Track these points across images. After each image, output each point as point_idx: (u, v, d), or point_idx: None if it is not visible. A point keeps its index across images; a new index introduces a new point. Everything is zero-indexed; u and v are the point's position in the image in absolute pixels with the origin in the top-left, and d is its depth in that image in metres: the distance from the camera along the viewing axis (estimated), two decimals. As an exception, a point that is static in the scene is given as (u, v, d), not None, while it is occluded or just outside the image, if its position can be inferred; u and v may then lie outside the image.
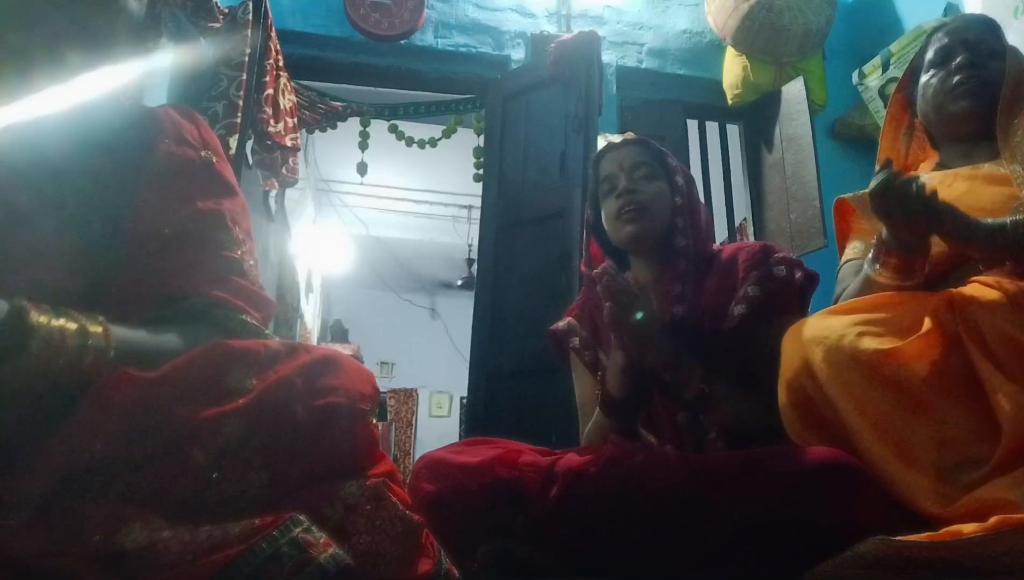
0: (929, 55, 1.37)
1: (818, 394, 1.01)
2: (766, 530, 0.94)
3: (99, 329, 0.67)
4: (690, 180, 1.45)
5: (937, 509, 0.88)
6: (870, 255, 1.19)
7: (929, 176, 1.33)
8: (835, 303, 1.26)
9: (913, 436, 0.93)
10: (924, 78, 1.37)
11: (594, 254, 1.53)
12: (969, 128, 1.30)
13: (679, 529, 1.00)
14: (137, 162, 0.87)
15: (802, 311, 1.32)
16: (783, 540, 0.92)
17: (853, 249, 1.41)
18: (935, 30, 1.39)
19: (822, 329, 1.04)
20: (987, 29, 1.35)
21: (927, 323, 1.00)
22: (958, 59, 1.30)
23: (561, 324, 1.50)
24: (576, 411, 1.48)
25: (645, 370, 1.23)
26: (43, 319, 0.63)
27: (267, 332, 0.87)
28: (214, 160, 0.94)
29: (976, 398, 0.93)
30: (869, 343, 0.99)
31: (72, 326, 0.65)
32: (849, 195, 1.41)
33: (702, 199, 1.52)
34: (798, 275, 1.29)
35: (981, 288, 1.02)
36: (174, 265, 0.83)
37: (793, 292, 1.30)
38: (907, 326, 1.01)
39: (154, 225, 0.84)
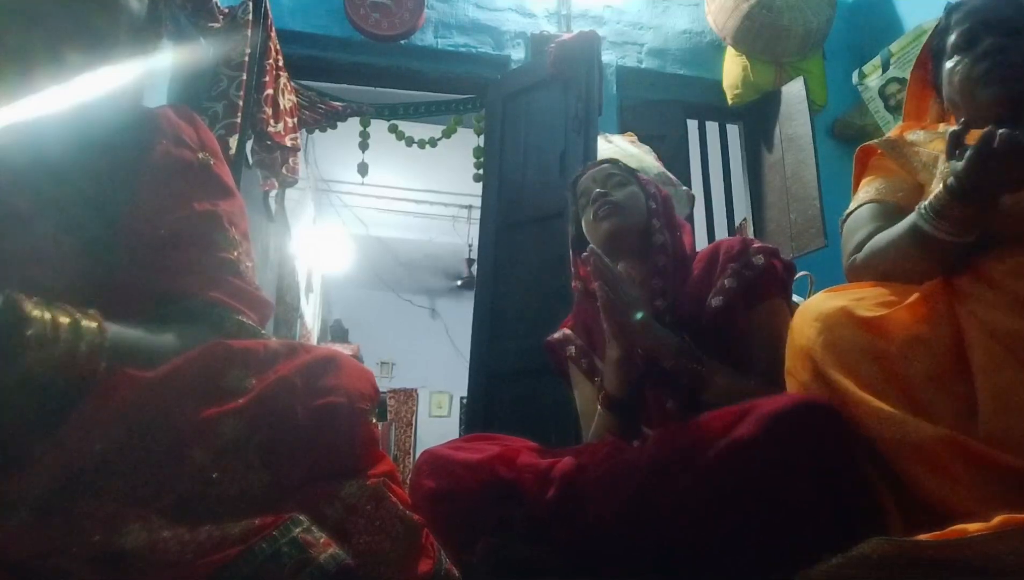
0: (952, 39, 1.29)
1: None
2: (765, 526, 0.93)
3: (94, 323, 0.67)
4: (666, 196, 1.50)
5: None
6: (926, 205, 1.10)
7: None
8: (857, 252, 1.20)
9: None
10: (949, 64, 1.29)
11: (580, 272, 1.54)
12: (1000, 113, 1.21)
13: (678, 529, 1.00)
14: (135, 163, 0.87)
15: (786, 299, 1.34)
16: (783, 537, 0.92)
17: (876, 190, 1.30)
18: (953, 9, 1.31)
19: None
20: (1008, 5, 1.27)
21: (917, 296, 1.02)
22: (983, 44, 1.23)
23: (556, 335, 1.53)
24: (576, 413, 1.49)
25: (639, 361, 1.23)
26: (36, 312, 0.63)
27: (264, 332, 0.87)
28: (211, 162, 0.94)
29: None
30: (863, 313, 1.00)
31: (65, 319, 0.65)
32: (876, 141, 1.33)
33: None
34: (777, 263, 1.31)
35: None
36: (170, 266, 0.83)
37: (774, 279, 1.31)
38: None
39: (150, 226, 0.84)
